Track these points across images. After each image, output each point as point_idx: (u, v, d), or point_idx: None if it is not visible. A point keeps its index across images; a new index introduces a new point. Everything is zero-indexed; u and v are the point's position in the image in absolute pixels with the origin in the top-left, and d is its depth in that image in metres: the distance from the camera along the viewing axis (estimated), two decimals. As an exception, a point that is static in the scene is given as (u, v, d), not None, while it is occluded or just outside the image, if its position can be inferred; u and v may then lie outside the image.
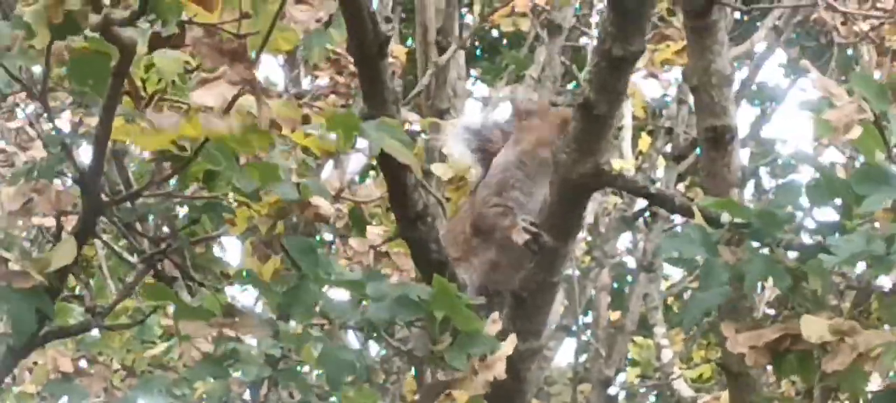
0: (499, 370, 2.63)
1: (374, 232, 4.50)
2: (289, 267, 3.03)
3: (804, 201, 2.42)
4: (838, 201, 2.39)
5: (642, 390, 7.30)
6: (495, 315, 2.78)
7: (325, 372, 2.67)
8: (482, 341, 2.64)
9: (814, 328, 2.35)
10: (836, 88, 2.61)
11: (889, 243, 2.30)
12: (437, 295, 2.63)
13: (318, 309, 2.70)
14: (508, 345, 2.67)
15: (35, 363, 4.06)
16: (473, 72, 8.88)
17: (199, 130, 2.49)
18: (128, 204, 3.08)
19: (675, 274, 7.42)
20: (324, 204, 3.06)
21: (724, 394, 5.84)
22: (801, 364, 2.39)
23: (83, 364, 4.09)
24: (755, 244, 2.43)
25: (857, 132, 2.59)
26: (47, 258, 2.83)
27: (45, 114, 2.94)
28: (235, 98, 2.48)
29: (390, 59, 5.64)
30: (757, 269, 2.38)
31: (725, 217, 2.51)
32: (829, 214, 2.48)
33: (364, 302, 2.71)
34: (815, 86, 2.64)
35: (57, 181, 3.10)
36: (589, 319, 7.34)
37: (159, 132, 2.54)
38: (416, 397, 3.74)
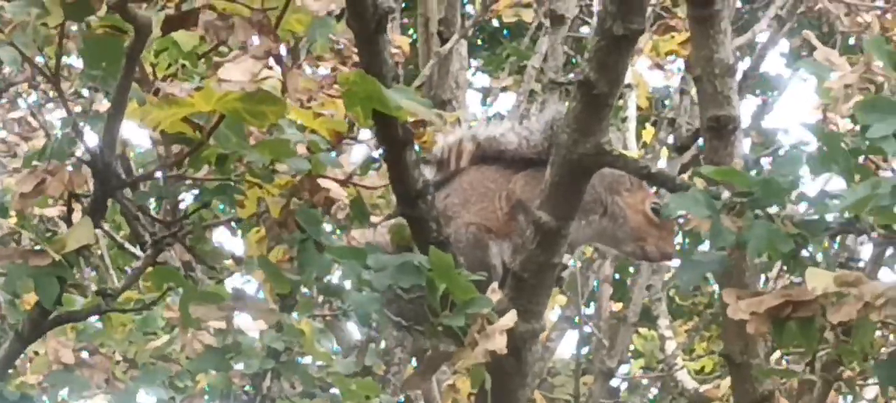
0: (499, 342, 2.60)
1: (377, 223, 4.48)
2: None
3: (805, 171, 2.42)
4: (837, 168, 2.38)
5: (645, 382, 7.32)
6: (495, 285, 2.76)
7: (355, 313, 2.66)
8: (480, 302, 2.63)
9: (819, 280, 2.35)
10: (838, 58, 2.63)
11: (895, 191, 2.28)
12: (435, 269, 2.63)
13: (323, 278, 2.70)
14: (508, 318, 2.65)
15: (36, 353, 4.05)
16: (474, 62, 8.90)
17: (212, 100, 2.49)
18: (139, 186, 3.10)
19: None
20: (335, 187, 3.06)
21: (725, 383, 5.87)
22: (802, 331, 2.38)
23: (85, 355, 4.08)
24: (757, 213, 2.42)
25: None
26: (63, 239, 2.84)
27: (53, 100, 2.95)
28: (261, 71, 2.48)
29: (394, 50, 5.67)
30: (759, 235, 2.39)
31: (726, 194, 2.53)
32: (833, 186, 2.49)
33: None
34: (817, 58, 2.65)
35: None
36: (591, 310, 7.37)
37: (172, 105, 2.54)
38: (414, 366, 3.74)
